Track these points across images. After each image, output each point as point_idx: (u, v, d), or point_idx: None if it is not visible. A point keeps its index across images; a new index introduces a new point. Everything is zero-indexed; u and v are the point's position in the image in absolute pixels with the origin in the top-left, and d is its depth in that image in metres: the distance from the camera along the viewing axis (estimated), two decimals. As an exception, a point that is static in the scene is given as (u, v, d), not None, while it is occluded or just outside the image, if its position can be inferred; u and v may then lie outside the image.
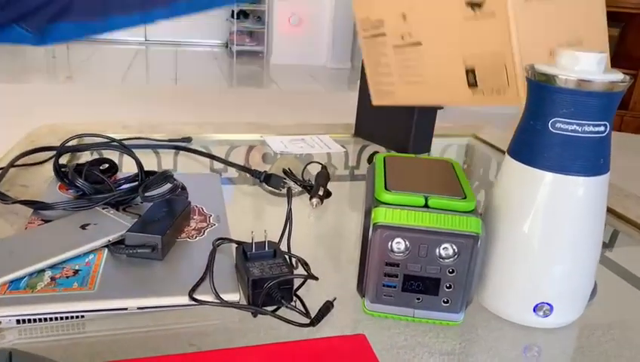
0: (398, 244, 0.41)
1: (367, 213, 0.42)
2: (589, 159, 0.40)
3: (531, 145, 0.41)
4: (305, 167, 0.72)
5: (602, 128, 0.40)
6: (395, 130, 0.85)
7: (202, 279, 0.44)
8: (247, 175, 0.72)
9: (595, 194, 0.41)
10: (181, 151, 0.80)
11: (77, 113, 2.70)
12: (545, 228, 0.42)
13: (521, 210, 0.42)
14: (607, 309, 0.49)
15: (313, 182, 0.68)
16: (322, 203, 0.64)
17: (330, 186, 0.68)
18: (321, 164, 0.72)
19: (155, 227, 0.48)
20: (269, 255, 0.46)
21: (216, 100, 3.10)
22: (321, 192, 0.65)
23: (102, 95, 3.09)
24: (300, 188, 0.68)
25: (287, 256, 0.47)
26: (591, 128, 0.39)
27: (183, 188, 0.57)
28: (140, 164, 0.58)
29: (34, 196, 0.60)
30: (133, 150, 0.76)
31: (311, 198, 0.64)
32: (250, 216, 0.65)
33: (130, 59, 4.45)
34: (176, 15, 0.83)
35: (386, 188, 0.42)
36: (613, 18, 3.03)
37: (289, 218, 0.50)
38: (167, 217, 0.50)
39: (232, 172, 0.75)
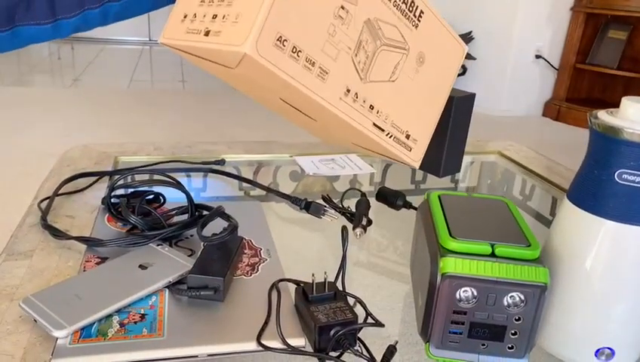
0: (466, 293, 0.41)
1: (433, 260, 0.42)
2: (655, 209, 0.41)
3: (596, 194, 0.42)
4: (344, 194, 0.72)
5: (668, 180, 0.40)
6: (428, 149, 0.86)
7: (266, 323, 0.45)
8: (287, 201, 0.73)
9: (658, 242, 0.42)
10: (209, 173, 0.81)
11: (85, 120, 2.70)
12: (606, 275, 0.42)
13: (583, 257, 0.43)
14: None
15: (352, 209, 0.69)
16: (365, 232, 0.65)
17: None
18: (360, 191, 0.73)
19: (216, 267, 0.49)
20: (330, 297, 0.47)
21: (222, 102, 3.11)
22: (364, 222, 0.66)
23: (109, 100, 3.09)
24: (339, 215, 0.69)
25: (347, 297, 0.48)
26: (658, 180, 0.40)
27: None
28: (190, 199, 0.59)
29: (82, 228, 0.61)
30: (171, 174, 0.77)
31: (354, 228, 0.65)
32: (296, 247, 0.66)
33: (136, 60, 4.45)
34: (93, 25, 0.66)
35: (450, 235, 0.43)
36: (620, 21, 3.05)
37: (344, 259, 0.51)
38: (224, 256, 0.51)
39: (261, 192, 0.76)
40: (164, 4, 0.62)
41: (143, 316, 0.45)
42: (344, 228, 0.53)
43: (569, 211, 0.44)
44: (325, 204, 0.70)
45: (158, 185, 0.61)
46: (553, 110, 3.22)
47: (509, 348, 0.43)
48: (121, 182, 0.60)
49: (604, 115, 0.42)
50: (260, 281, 0.51)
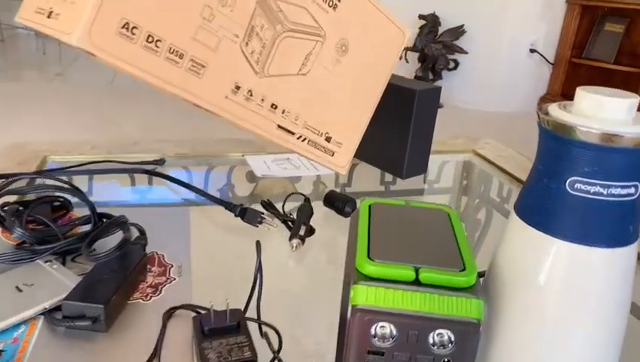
0: (383, 330, 0.33)
1: (345, 288, 0.35)
2: (616, 227, 0.33)
3: (545, 207, 0.34)
4: (285, 200, 0.64)
5: (632, 190, 0.32)
6: (388, 148, 0.78)
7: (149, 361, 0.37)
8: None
9: (621, 267, 0.34)
10: (151, 176, 0.73)
11: (65, 115, 2.62)
12: (558, 305, 0.34)
13: (531, 284, 0.35)
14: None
15: (292, 215, 0.61)
16: (303, 243, 0.57)
17: (318, 209, 0.61)
18: (304, 195, 0.65)
19: (99, 292, 0.41)
20: (231, 329, 0.39)
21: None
22: (302, 232, 0.58)
23: (90, 95, 3.01)
24: (279, 223, 0.61)
25: (257, 325, 0.40)
26: (618, 191, 0.32)
27: (142, 233, 0.50)
28: (91, 207, 0.51)
29: (-26, 240, 0.53)
30: (101, 176, 0.69)
31: (290, 238, 0.57)
32: (220, 261, 0.58)
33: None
34: None
35: (369, 256, 0.35)
36: (617, 14, 2.95)
37: (257, 278, 0.43)
38: (115, 277, 0.43)
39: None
40: None
41: (-1, 353, 0.37)
42: (257, 243, 0.45)
43: (515, 228, 0.36)
44: (263, 211, 0.63)
45: (48, 191, 0.53)
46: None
47: (439, 395, 0.35)
48: (3, 186, 0.52)
49: (555, 110, 0.34)
50: (160, 307, 0.43)
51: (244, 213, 0.62)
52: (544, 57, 3.09)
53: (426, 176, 0.84)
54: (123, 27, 0.31)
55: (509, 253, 0.37)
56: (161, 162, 0.77)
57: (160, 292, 0.45)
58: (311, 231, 0.60)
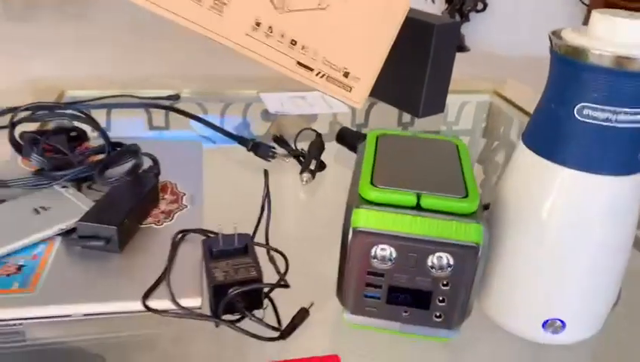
0: (383, 251, 0.34)
1: (348, 212, 0.35)
2: (623, 155, 0.32)
3: (552, 134, 0.34)
4: (298, 135, 0.65)
5: (642, 117, 0.31)
6: (405, 85, 0.76)
7: (159, 280, 0.39)
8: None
9: (626, 196, 0.34)
10: (165, 110, 0.74)
11: (84, 54, 2.63)
12: (562, 235, 0.35)
13: (535, 211, 0.35)
14: (633, 320, 0.42)
15: (304, 151, 0.61)
16: (314, 178, 0.58)
17: (330, 148, 0.61)
18: (314, 131, 0.65)
19: (112, 214, 0.42)
20: (238, 251, 0.40)
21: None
22: (313, 166, 0.58)
23: (110, 32, 2.99)
24: (291, 158, 0.62)
25: (265, 249, 0.41)
26: (628, 117, 0.31)
27: (155, 162, 0.51)
28: (105, 136, 0.52)
29: (-5, 167, 0.55)
30: (118, 110, 0.69)
31: (301, 172, 0.57)
32: (232, 194, 0.59)
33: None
34: None
35: (371, 183, 0.35)
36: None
37: (265, 204, 0.44)
38: (128, 201, 0.44)
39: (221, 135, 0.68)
40: None
41: (19, 267, 0.39)
42: (265, 171, 0.46)
43: (521, 156, 0.36)
44: (275, 146, 0.63)
45: (61, 118, 0.54)
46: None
47: (437, 316, 0.36)
48: (22, 115, 0.54)
49: (568, 34, 0.33)
50: (171, 231, 0.44)
51: (256, 147, 0.62)
52: (578, -1, 2.94)
53: (445, 118, 0.82)
54: None
55: (514, 181, 0.37)
56: (175, 97, 0.77)
57: (172, 218, 0.47)
58: (321, 165, 0.60)
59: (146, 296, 0.37)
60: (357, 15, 0.42)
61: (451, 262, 0.34)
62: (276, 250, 0.42)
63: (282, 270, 0.40)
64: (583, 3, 2.99)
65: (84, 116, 0.52)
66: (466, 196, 0.35)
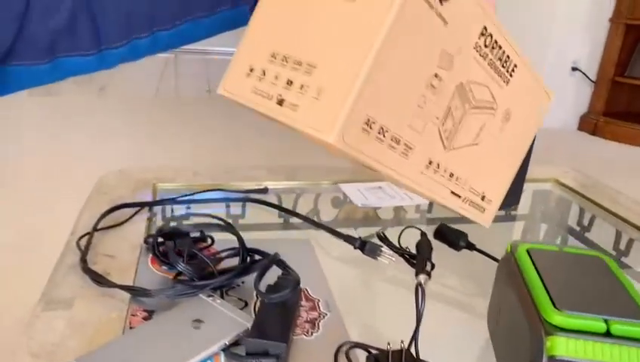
0: (578, 379, 0.35)
1: (534, 337, 0.36)
2: None
3: None
4: (401, 233, 0.67)
5: None
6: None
7: (338, 400, 0.39)
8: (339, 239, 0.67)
9: None
10: (250, 203, 0.76)
11: (113, 131, 2.69)
12: None
13: None
14: None
15: (409, 249, 0.63)
16: (430, 278, 0.59)
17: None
18: (419, 229, 0.67)
19: (277, 329, 0.43)
20: (407, 369, 0.41)
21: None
22: (428, 267, 0.60)
23: (135, 110, 3.08)
24: (397, 257, 0.63)
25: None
26: None
27: (291, 270, 0.53)
28: (242, 243, 0.54)
29: (123, 270, 0.56)
30: (210, 204, 0.71)
31: (417, 274, 0.59)
32: (352, 296, 0.60)
33: (162, 69, 4.46)
34: (141, 55, 0.61)
35: (555, 306, 0.37)
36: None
37: (419, 321, 0.45)
38: (284, 314, 0.46)
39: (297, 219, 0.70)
40: (218, 31, 0.57)
41: (197, 387, 0.40)
42: (419, 285, 0.47)
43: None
44: (381, 244, 0.65)
45: (207, 227, 0.56)
46: (590, 124, 3.11)
47: None
48: (168, 226, 0.56)
49: None
50: (323, 343, 0.45)
51: (363, 245, 0.64)
52: (586, 75, 3.08)
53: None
54: (366, 123, 0.34)
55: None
56: (264, 190, 0.80)
57: (318, 329, 0.48)
58: (432, 266, 0.62)
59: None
60: (500, 147, 0.46)
61: (647, 389, 0.35)
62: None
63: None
64: (590, 80, 3.12)
65: (223, 224, 0.54)
66: (649, 321, 0.36)
